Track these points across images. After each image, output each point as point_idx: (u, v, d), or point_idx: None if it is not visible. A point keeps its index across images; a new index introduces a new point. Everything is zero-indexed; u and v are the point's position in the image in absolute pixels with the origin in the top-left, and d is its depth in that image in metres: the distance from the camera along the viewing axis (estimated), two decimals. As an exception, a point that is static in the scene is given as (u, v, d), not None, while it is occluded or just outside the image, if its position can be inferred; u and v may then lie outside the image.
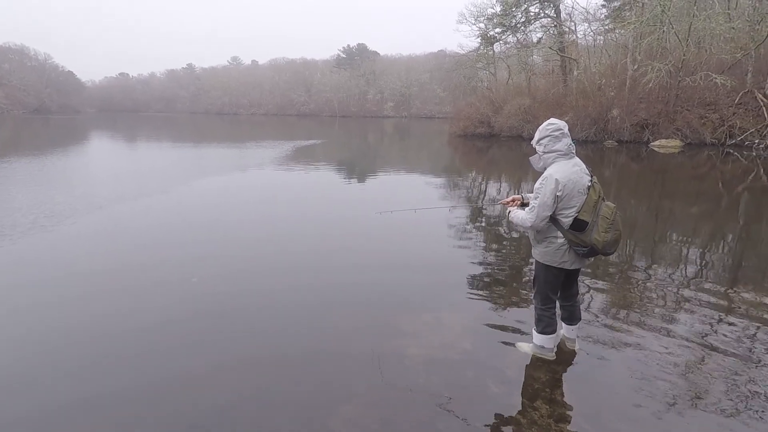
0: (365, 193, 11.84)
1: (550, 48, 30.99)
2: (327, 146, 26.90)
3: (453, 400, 3.03)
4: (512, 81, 34.78)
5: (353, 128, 49.34)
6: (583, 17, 30.76)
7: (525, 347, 3.61)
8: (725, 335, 3.90)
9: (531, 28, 33.21)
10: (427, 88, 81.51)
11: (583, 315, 3.90)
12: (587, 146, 22.08)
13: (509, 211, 3.45)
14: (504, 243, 7.04)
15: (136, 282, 5.22)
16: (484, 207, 9.69)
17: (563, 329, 3.64)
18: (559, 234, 3.16)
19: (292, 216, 8.71)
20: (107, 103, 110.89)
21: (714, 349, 3.66)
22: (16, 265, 5.80)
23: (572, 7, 31.62)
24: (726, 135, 20.82)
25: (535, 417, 2.89)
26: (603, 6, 33.06)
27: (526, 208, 3.30)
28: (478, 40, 35.03)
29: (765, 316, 4.29)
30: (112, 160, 18.90)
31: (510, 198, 3.59)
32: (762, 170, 14.83)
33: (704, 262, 6.17)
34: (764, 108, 20.20)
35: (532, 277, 3.64)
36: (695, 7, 21.84)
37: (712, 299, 4.65)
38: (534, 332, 3.48)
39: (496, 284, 5.19)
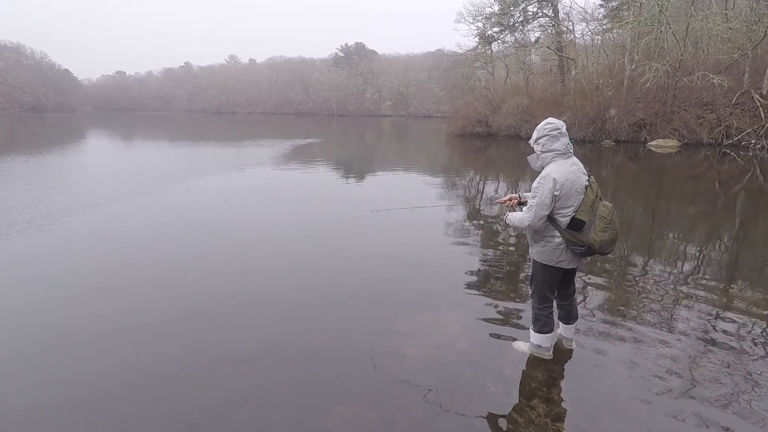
0: (363, 193, 11.83)
1: (548, 47, 31.02)
2: (325, 145, 26.88)
3: (451, 399, 3.03)
4: (510, 80, 34.81)
5: (351, 127, 49.32)
6: (581, 17, 30.84)
7: (522, 346, 3.61)
8: (723, 335, 3.91)
9: (529, 27, 33.25)
10: (425, 88, 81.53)
11: (580, 314, 3.91)
12: (585, 146, 22.13)
13: (506, 214, 3.45)
14: (501, 242, 7.04)
15: (132, 281, 5.20)
16: (481, 206, 9.69)
17: (560, 328, 3.65)
18: (557, 233, 3.17)
19: (289, 215, 8.70)
20: (104, 101, 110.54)
21: (711, 348, 3.68)
22: (13, 264, 5.77)
23: (570, 7, 31.82)
24: (723, 135, 20.90)
25: (532, 416, 2.89)
26: (601, 6, 33.10)
27: (524, 208, 3.30)
28: (476, 39, 35.05)
29: (762, 314, 4.30)
30: (108, 159, 18.85)
31: (507, 197, 3.59)
32: (758, 170, 14.89)
33: (701, 261, 6.19)
34: (761, 108, 20.27)
35: (529, 276, 3.65)
36: (693, 8, 21.89)
37: (709, 298, 4.67)
38: (531, 331, 3.49)
39: (493, 283, 5.20)
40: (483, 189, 12.72)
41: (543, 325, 3.40)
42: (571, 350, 3.60)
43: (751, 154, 18.49)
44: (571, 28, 31.45)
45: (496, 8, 32.66)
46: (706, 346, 3.71)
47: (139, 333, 3.98)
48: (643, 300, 4.67)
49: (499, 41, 34.95)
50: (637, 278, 5.31)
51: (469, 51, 36.36)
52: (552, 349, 3.49)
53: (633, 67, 23.70)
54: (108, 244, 6.60)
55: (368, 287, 5.07)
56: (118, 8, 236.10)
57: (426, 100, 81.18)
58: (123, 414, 2.93)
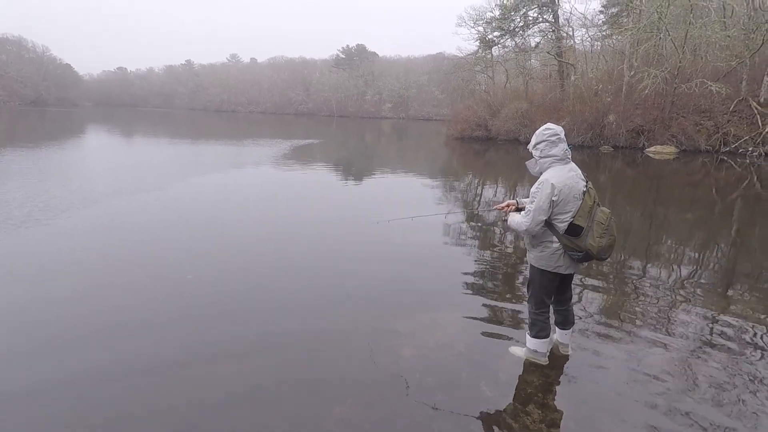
0: (363, 194, 11.86)
1: (547, 53, 31.15)
2: (324, 146, 26.90)
3: (447, 402, 3.06)
4: (510, 85, 34.91)
5: (351, 128, 49.34)
6: (581, 23, 30.98)
7: (518, 351, 3.64)
8: (719, 341, 3.94)
9: (529, 32, 33.38)
10: (426, 90, 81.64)
11: (577, 320, 3.94)
12: (583, 151, 22.21)
13: (506, 217, 3.48)
14: (499, 247, 7.07)
15: (130, 278, 5.20)
16: (479, 212, 9.73)
17: (557, 334, 3.67)
18: (555, 239, 3.19)
19: (289, 215, 8.72)
20: (105, 97, 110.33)
21: (708, 355, 3.71)
22: (11, 258, 5.77)
23: (570, 13, 31.90)
24: (720, 142, 21.01)
25: (527, 422, 2.91)
26: (601, 12, 33.28)
27: (522, 212, 3.33)
28: (477, 43, 35.22)
29: (759, 321, 4.34)
30: (108, 155, 18.81)
31: (505, 203, 3.61)
32: (755, 178, 14.98)
33: (698, 268, 6.23)
34: (758, 116, 20.39)
35: (526, 282, 3.67)
36: (691, 15, 22.02)
37: (706, 305, 4.71)
38: (527, 336, 3.51)
39: (490, 287, 5.22)
40: (481, 193, 12.77)
41: (539, 330, 3.43)
42: (568, 356, 3.62)
43: (748, 161, 18.59)
44: (570, 33, 31.60)
45: (497, 13, 32.83)
46: (703, 352, 3.75)
47: (137, 331, 3.98)
48: (640, 306, 4.70)
49: (499, 45, 35.11)
50: (634, 284, 5.35)
51: (469, 55, 36.49)
52: (548, 354, 3.52)
53: (632, 73, 23.81)
54: (107, 241, 6.60)
55: (368, 287, 5.09)
56: (118, 8, 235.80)
57: (426, 103, 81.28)
58: (121, 412, 2.94)
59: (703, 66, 22.78)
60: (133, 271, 5.46)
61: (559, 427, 2.88)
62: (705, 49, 23.56)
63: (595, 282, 5.31)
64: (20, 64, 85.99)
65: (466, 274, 5.56)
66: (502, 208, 3.61)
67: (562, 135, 3.23)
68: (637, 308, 4.64)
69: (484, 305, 4.62)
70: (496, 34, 33.94)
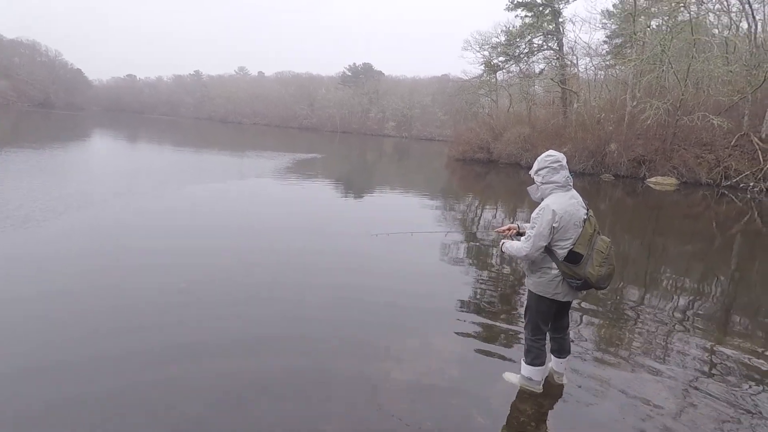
0: (362, 212, 11.84)
1: (551, 79, 31.50)
2: (327, 161, 27.01)
3: (437, 428, 2.97)
4: (513, 109, 35.23)
5: (354, 145, 49.65)
6: (585, 52, 31.39)
7: (512, 378, 3.56)
8: (716, 373, 3.86)
9: (534, 59, 33.85)
10: (429, 111, 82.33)
11: (573, 349, 3.86)
12: (584, 178, 22.28)
13: (502, 243, 3.43)
14: (496, 271, 7.01)
15: (124, 283, 5.14)
16: (479, 233, 9.70)
17: (552, 362, 3.60)
18: (554, 265, 3.15)
19: (287, 227, 8.68)
20: (113, 102, 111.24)
21: (705, 387, 3.62)
22: (7, 260, 5.71)
23: (575, 42, 32.16)
24: (721, 176, 21.07)
25: (519, 451, 2.82)
26: (605, 42, 33.81)
27: (522, 238, 3.30)
28: (482, 67, 35.60)
29: (755, 358, 4.26)
30: (111, 159, 18.85)
31: (506, 226, 3.58)
32: (756, 213, 14.98)
33: (696, 300, 6.17)
34: (760, 151, 20.49)
35: (523, 307, 3.62)
36: (694, 49, 22.33)
37: (704, 337, 4.63)
38: (522, 363, 3.44)
39: (486, 312, 5.15)
40: (481, 215, 12.75)
41: (535, 358, 3.36)
42: (562, 385, 3.54)
43: (749, 196, 18.63)
44: (575, 62, 32.03)
45: (503, 39, 33.28)
46: (700, 384, 3.67)
47: (125, 335, 3.91)
48: (637, 337, 4.63)
49: (503, 70, 35.53)
50: (631, 314, 5.28)
51: (474, 78, 36.91)
52: (543, 382, 3.44)
53: (634, 103, 24.04)
54: (102, 245, 6.55)
55: (360, 307, 5.02)
56: (129, 16, 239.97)
57: (429, 124, 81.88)
58: (107, 416, 2.87)
59: (705, 99, 23.00)
60: (125, 276, 5.41)
61: (551, 460, 2.80)
62: (707, 82, 23.81)
63: (593, 311, 5.24)
64: (32, 67, 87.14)
65: (462, 296, 5.49)
66: (503, 231, 3.58)
67: (564, 162, 3.23)
68: (634, 339, 4.56)
69: (479, 330, 4.54)
70: (501, 59, 34.39)
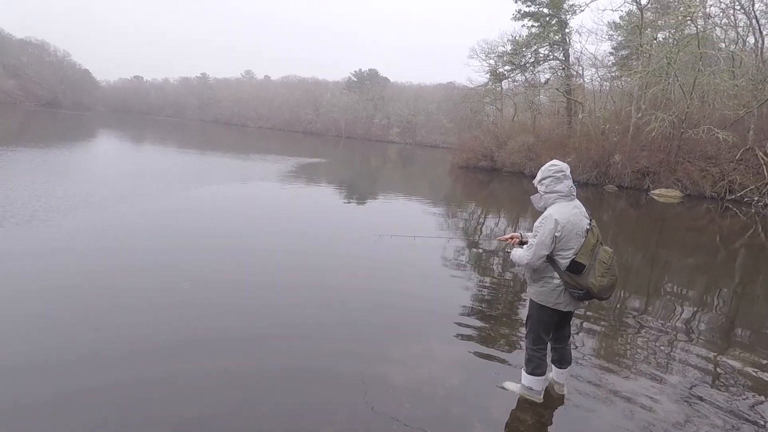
0: (365, 216, 11.85)
1: (556, 89, 31.56)
2: (330, 165, 27.08)
3: (436, 436, 2.96)
4: (518, 118, 35.28)
5: (358, 150, 49.77)
6: (590, 62, 31.43)
7: (513, 387, 3.55)
8: (717, 386, 3.84)
9: (539, 68, 33.89)
10: (434, 118, 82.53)
11: (574, 359, 3.85)
12: (588, 189, 22.25)
13: (509, 245, 3.45)
14: (498, 279, 7.00)
15: (127, 283, 5.16)
16: (481, 241, 9.69)
17: (553, 372, 3.58)
18: (556, 275, 3.15)
19: (290, 231, 8.70)
20: (120, 103, 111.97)
21: (706, 400, 3.60)
22: (10, 258, 5.74)
23: (581, 52, 32.19)
24: (726, 190, 21.01)
25: (518, 461, 2.81)
26: (611, 54, 33.85)
27: (524, 246, 3.30)
28: (487, 75, 35.69)
29: (758, 370, 4.23)
30: (119, 160, 18.96)
31: (509, 235, 3.59)
32: (760, 227, 14.91)
33: (699, 314, 6.13)
34: (764, 166, 20.44)
35: (525, 316, 3.61)
36: (701, 63, 22.35)
37: (705, 350, 4.60)
38: (523, 372, 3.43)
39: (487, 320, 5.14)
40: (483, 223, 12.74)
41: (535, 367, 3.35)
42: (563, 396, 3.53)
43: (753, 210, 18.55)
44: (580, 72, 32.07)
45: (509, 48, 33.38)
46: (700, 396, 3.64)
47: (128, 335, 3.92)
48: (638, 348, 4.60)
49: (509, 79, 35.58)
50: (633, 326, 5.26)
51: (479, 86, 37.00)
52: (543, 392, 3.42)
53: (639, 115, 24.04)
54: (106, 245, 6.57)
55: (362, 313, 5.02)
56: (137, 18, 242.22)
57: (433, 131, 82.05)
58: (101, 418, 2.86)
59: (711, 113, 22.99)
60: (128, 275, 5.43)
61: (550, 471, 2.78)
62: (713, 96, 23.81)
63: (594, 322, 5.22)
64: (40, 67, 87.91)
65: (463, 305, 5.48)
66: (506, 240, 3.58)
67: (568, 172, 3.24)
68: (635, 350, 4.54)
69: (481, 338, 4.54)
70: (506, 67, 34.48)
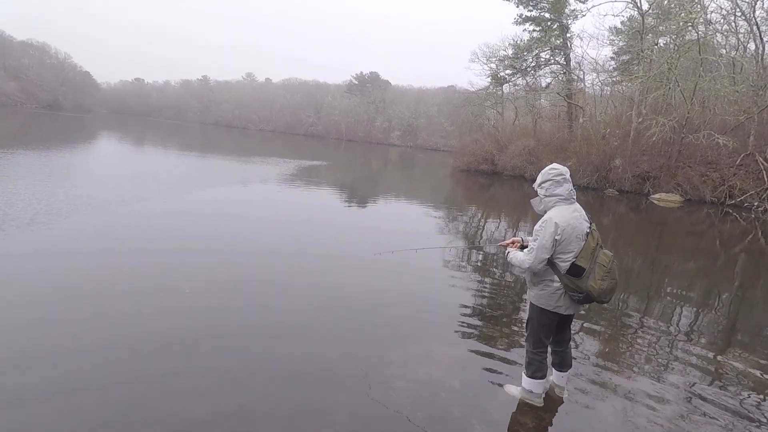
0: (366, 218, 11.86)
1: (557, 93, 31.62)
2: (331, 168, 27.11)
3: (436, 438, 2.97)
4: (519, 122, 35.33)
5: (358, 153, 49.84)
6: (591, 67, 31.50)
7: (513, 390, 3.56)
8: (717, 390, 3.84)
9: (540, 72, 33.95)
10: (435, 121, 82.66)
11: (574, 362, 3.86)
12: (588, 193, 22.27)
13: (508, 252, 3.46)
14: (499, 283, 7.01)
15: (128, 285, 5.18)
16: (482, 245, 9.70)
17: (553, 375, 3.59)
18: (556, 278, 3.17)
19: (290, 235, 8.72)
20: (121, 105, 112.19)
21: (706, 403, 3.61)
22: (9, 262, 5.75)
23: (582, 57, 32.40)
24: (726, 195, 21.02)
25: (518, 464, 2.82)
26: (612, 59, 33.91)
27: (525, 250, 3.32)
28: (489, 79, 35.76)
29: (757, 371, 4.24)
30: (120, 162, 18.99)
31: (509, 240, 3.60)
32: (760, 232, 14.92)
33: (698, 317, 6.14)
34: (765, 172, 20.45)
35: (525, 318, 3.62)
36: (701, 68, 22.41)
37: (705, 354, 4.61)
38: (524, 376, 3.44)
39: (488, 323, 5.15)
40: (484, 227, 12.75)
41: (536, 371, 3.36)
42: (563, 399, 3.54)
43: (753, 216, 18.55)
44: (581, 77, 32.14)
45: (510, 52, 33.46)
46: (700, 400, 3.65)
47: (129, 337, 3.93)
48: (639, 351, 4.61)
49: (510, 83, 35.66)
50: (633, 329, 5.26)
51: (480, 90, 37.06)
52: (543, 396, 3.43)
53: (640, 120, 24.07)
54: (107, 248, 6.59)
55: (362, 314, 5.03)
56: (139, 20, 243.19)
57: (434, 134, 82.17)
58: (100, 422, 2.87)
59: (711, 118, 23.02)
60: (129, 279, 5.44)
61: (550, 473, 2.79)
62: (713, 102, 23.85)
63: (595, 325, 5.23)
64: (41, 69, 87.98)
65: (464, 308, 5.49)
66: (507, 244, 3.60)
67: (568, 175, 3.26)
68: (635, 353, 4.55)
69: (481, 341, 4.55)
70: (507, 71, 34.55)
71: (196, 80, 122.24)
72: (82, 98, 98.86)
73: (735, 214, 18.63)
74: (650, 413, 3.45)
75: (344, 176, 24.30)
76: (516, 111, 36.35)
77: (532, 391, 3.40)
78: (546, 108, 35.54)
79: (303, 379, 3.56)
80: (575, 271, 3.09)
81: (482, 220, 13.74)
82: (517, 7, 31.25)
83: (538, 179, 3.30)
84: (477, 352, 4.27)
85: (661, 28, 25.73)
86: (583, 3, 29.11)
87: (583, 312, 5.38)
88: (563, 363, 3.52)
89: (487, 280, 7.02)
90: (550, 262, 3.16)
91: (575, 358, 4.03)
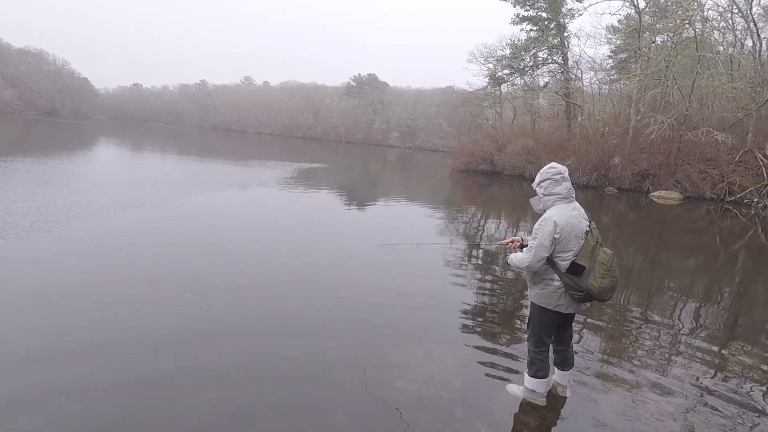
0: (366, 220, 11.86)
1: (556, 93, 31.66)
2: (330, 171, 27.11)
3: (439, 439, 2.96)
4: (517, 121, 35.36)
5: (357, 155, 49.85)
6: (589, 66, 31.54)
7: (516, 390, 3.54)
8: (719, 387, 3.83)
9: (538, 72, 34.00)
10: (433, 122, 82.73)
11: (577, 361, 3.85)
12: (588, 191, 22.27)
13: (509, 254, 3.46)
14: (499, 282, 7.00)
15: (129, 291, 5.17)
16: (482, 244, 9.70)
17: (555, 374, 3.58)
18: (556, 277, 3.16)
19: (291, 238, 8.70)
20: (119, 111, 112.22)
21: (708, 400, 3.60)
22: (13, 268, 5.74)
23: (579, 56, 32.45)
24: (725, 191, 21.03)
25: (521, 464, 2.81)
26: (609, 57, 33.95)
27: (524, 249, 3.31)
28: (486, 79, 35.79)
29: (758, 369, 4.23)
30: (115, 168, 18.99)
31: (509, 239, 3.60)
32: (760, 229, 14.92)
33: (700, 314, 6.13)
34: (764, 168, 20.47)
35: (526, 319, 3.61)
36: (699, 66, 22.43)
37: (707, 350, 4.60)
38: (526, 375, 3.43)
39: (489, 323, 5.14)
40: (484, 226, 12.74)
41: (538, 370, 3.35)
42: (566, 398, 3.53)
43: (753, 212, 18.56)
44: (579, 75, 32.17)
45: (508, 52, 33.52)
46: (703, 397, 3.65)
47: (131, 341, 3.92)
48: (641, 349, 4.60)
49: (508, 83, 35.70)
50: (635, 327, 5.25)
51: (478, 90, 37.09)
52: (546, 395, 3.42)
53: (638, 118, 24.09)
54: (107, 254, 6.58)
55: (363, 315, 5.02)
56: (138, 22, 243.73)
57: (433, 134, 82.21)
58: (101, 423, 2.86)
59: (710, 115, 23.05)
60: (130, 285, 5.43)
61: (554, 473, 2.78)
62: (712, 99, 23.87)
63: (596, 323, 5.22)
64: (39, 76, 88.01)
65: (465, 307, 5.48)
66: (507, 244, 3.59)
67: (566, 174, 3.25)
68: (637, 351, 4.54)
69: (483, 341, 4.53)
70: (505, 71, 34.58)
71: (194, 84, 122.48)
72: (81, 105, 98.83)
73: (735, 210, 18.64)
74: (655, 409, 3.43)
75: (343, 178, 24.31)
76: (514, 111, 36.38)
77: (534, 391, 3.39)
78: (544, 107, 35.57)
79: (303, 379, 3.56)
80: (575, 269, 3.08)
81: (482, 220, 13.73)
82: (514, 6, 31.31)
83: (537, 178, 3.29)
84: (478, 352, 4.26)
85: (658, 25, 25.76)
86: (580, 2, 29.16)
87: (584, 310, 5.37)
88: (565, 362, 3.51)
89: (487, 279, 7.02)
90: (550, 261, 3.16)
91: (577, 353, 4.02)
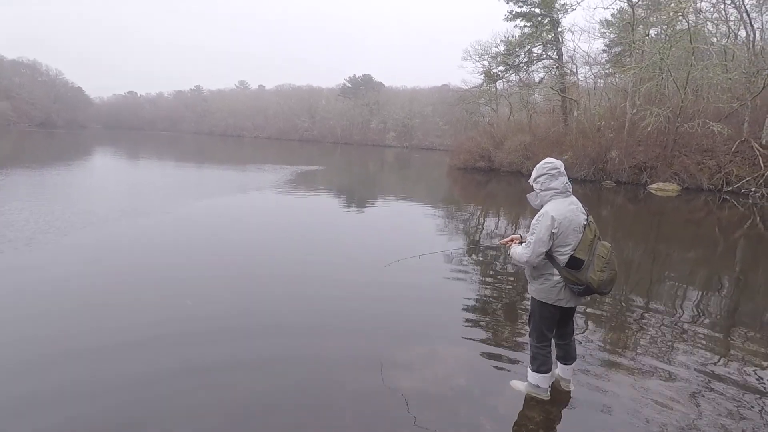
0: (366, 221, 11.86)
1: (551, 88, 31.69)
2: (328, 173, 27.12)
3: (444, 436, 2.97)
4: (513, 118, 35.41)
5: (354, 156, 49.84)
6: (584, 60, 31.62)
7: (519, 386, 3.56)
8: (723, 378, 3.85)
9: (533, 68, 34.04)
10: (430, 121, 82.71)
11: (580, 353, 3.87)
12: (586, 185, 22.30)
13: (509, 247, 3.48)
14: (500, 279, 7.02)
15: (131, 300, 5.17)
16: (482, 243, 9.71)
17: (558, 369, 3.60)
18: (555, 271, 3.18)
19: (291, 241, 8.71)
20: (115, 120, 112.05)
21: (712, 391, 3.62)
22: (13, 279, 5.75)
23: (574, 50, 32.64)
24: (723, 182, 21.07)
25: (527, 458, 2.82)
26: (604, 51, 34.03)
27: (523, 244, 3.33)
28: (482, 76, 35.82)
29: (762, 360, 4.25)
30: (113, 177, 18.98)
31: (509, 238, 3.61)
32: (758, 218, 14.95)
33: (701, 305, 6.15)
34: (760, 157, 20.51)
35: (527, 314, 3.63)
36: (693, 57, 22.47)
37: (709, 342, 4.62)
38: (529, 370, 3.44)
39: (491, 320, 5.16)
40: (484, 224, 12.76)
41: (541, 365, 3.36)
42: (569, 392, 3.54)
43: (750, 201, 18.60)
44: (574, 70, 32.23)
45: (502, 48, 33.55)
46: (706, 388, 3.66)
47: (133, 348, 3.93)
48: (643, 342, 4.62)
49: (503, 80, 35.74)
50: (636, 319, 5.27)
51: (474, 87, 37.15)
52: (550, 389, 3.44)
53: (634, 111, 24.14)
54: (107, 263, 6.59)
55: (365, 315, 5.04)
56: (136, 30, 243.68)
57: (430, 133, 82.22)
58: (102, 424, 2.88)
59: (705, 106, 23.08)
60: (131, 292, 5.44)
61: (559, 467, 2.79)
62: (707, 90, 23.90)
63: (597, 317, 5.24)
64: (32, 87, 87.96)
65: (467, 306, 5.50)
66: (506, 242, 3.61)
67: (562, 169, 3.27)
68: (639, 344, 4.56)
69: (485, 338, 4.55)
70: (500, 68, 34.62)
71: (189, 90, 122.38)
72: (75, 114, 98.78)
73: (732, 200, 18.68)
74: (658, 404, 3.45)
75: (341, 180, 24.31)
76: (510, 107, 36.43)
77: (538, 386, 3.41)
78: (540, 103, 35.63)
79: (307, 380, 3.57)
80: (574, 263, 3.10)
81: (481, 218, 13.75)
82: (508, 3, 31.35)
83: (533, 174, 3.31)
84: (481, 350, 4.27)
85: (651, 18, 25.81)
86: (573, -3, 29.18)
87: (586, 302, 5.39)
88: (567, 356, 3.53)
89: (489, 277, 7.03)
90: (549, 256, 3.18)
91: (581, 343, 4.04)
